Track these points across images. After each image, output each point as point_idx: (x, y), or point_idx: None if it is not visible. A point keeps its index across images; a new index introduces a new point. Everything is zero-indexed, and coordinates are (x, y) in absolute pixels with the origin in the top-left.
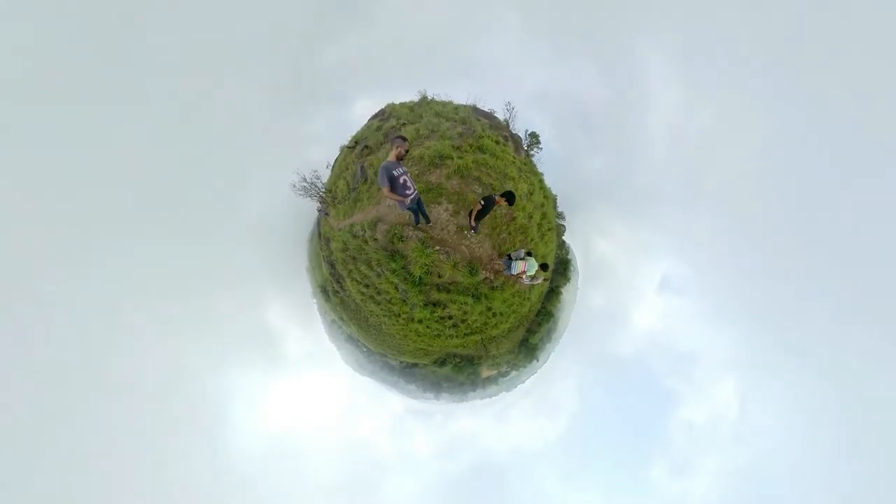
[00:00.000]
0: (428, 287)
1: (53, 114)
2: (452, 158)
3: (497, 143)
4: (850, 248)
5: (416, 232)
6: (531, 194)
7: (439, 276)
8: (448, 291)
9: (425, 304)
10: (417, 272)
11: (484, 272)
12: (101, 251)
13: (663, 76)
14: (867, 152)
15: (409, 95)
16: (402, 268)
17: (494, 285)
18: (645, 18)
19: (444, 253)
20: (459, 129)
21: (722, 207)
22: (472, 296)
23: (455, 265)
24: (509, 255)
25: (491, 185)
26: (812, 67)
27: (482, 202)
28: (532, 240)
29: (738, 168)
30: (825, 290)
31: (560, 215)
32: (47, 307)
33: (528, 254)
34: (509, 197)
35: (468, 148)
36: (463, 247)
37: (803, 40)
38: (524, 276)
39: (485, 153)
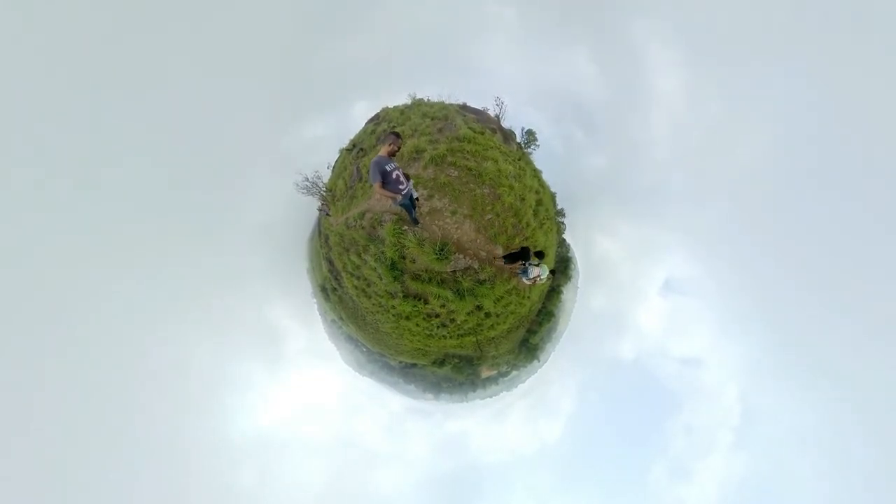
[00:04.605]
0: (403, 274)
1: (58, 131)
2: (426, 150)
3: (481, 133)
4: (864, 250)
5: (392, 216)
6: (520, 177)
7: (413, 262)
8: (423, 281)
9: (405, 296)
10: (389, 253)
11: (465, 258)
12: (115, 259)
13: (665, 67)
14: (884, 146)
15: (410, 96)
16: (381, 251)
17: (481, 278)
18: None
19: (412, 231)
20: (440, 125)
21: (729, 206)
22: (454, 291)
23: (420, 243)
24: (524, 265)
25: (467, 166)
26: (826, 55)
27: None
28: (528, 225)
29: (747, 163)
30: (835, 294)
31: (560, 213)
32: (72, 312)
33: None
34: (540, 255)
35: (444, 139)
36: (434, 227)
37: (816, 25)
38: (538, 279)
39: (462, 141)
